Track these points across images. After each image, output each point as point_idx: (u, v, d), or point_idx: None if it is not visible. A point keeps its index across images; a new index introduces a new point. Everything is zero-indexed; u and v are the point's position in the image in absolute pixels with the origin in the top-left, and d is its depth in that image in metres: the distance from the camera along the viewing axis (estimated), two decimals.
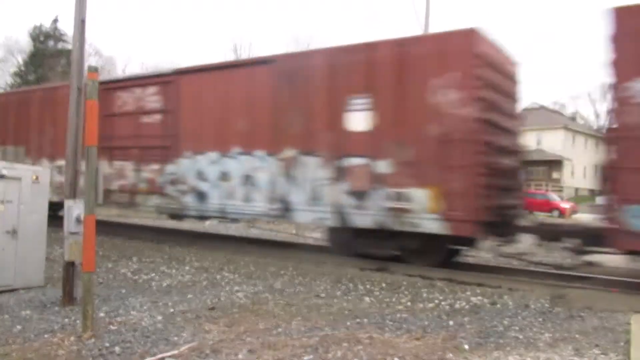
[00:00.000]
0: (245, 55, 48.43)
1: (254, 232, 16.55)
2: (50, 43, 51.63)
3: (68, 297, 6.73)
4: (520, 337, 5.62)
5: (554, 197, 37.55)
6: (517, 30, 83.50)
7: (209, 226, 18.17)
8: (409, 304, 7.33)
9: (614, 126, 7.92)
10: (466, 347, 5.21)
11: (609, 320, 6.33)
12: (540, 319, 6.42)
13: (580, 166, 54.33)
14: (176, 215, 13.92)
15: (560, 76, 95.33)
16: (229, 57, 48.29)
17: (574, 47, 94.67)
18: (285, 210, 11.12)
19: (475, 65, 9.12)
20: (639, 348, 5.19)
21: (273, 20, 78.99)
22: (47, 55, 49.65)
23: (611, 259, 10.09)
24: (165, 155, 12.94)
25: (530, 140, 53.80)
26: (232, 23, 78.28)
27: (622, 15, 7.69)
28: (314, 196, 10.71)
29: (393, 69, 9.91)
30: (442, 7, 67.31)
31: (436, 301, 7.46)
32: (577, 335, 5.67)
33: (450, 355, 4.95)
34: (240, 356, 4.84)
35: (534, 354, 5.00)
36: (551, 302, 7.35)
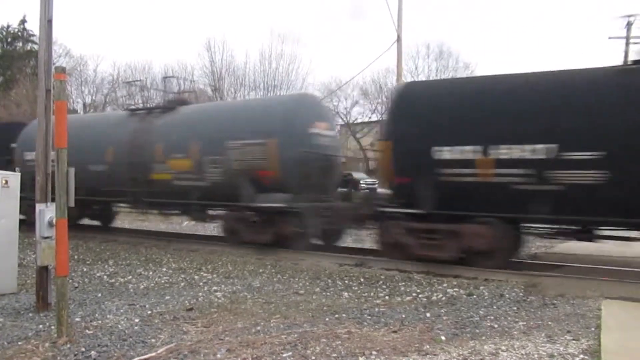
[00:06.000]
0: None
1: None
2: (19, 44, 50.52)
3: (42, 303, 6.61)
4: (496, 326, 5.74)
5: None
6: (500, 28, 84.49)
7: (186, 227, 18.00)
8: (386, 297, 7.41)
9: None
10: (443, 338, 5.29)
11: (580, 307, 6.51)
12: (515, 308, 6.56)
13: None
14: None
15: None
16: (203, 54, 47.54)
17: (559, 45, 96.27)
18: None
19: None
20: (609, 333, 5.36)
21: (247, 15, 78.43)
22: (16, 56, 48.56)
23: (582, 247, 10.37)
24: None
25: None
26: (204, 19, 77.47)
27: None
28: None
29: None
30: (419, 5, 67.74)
31: (414, 294, 7.56)
32: (550, 323, 5.81)
33: (427, 346, 5.02)
34: (218, 356, 4.83)
35: (509, 342, 5.10)
36: (525, 291, 7.51)
